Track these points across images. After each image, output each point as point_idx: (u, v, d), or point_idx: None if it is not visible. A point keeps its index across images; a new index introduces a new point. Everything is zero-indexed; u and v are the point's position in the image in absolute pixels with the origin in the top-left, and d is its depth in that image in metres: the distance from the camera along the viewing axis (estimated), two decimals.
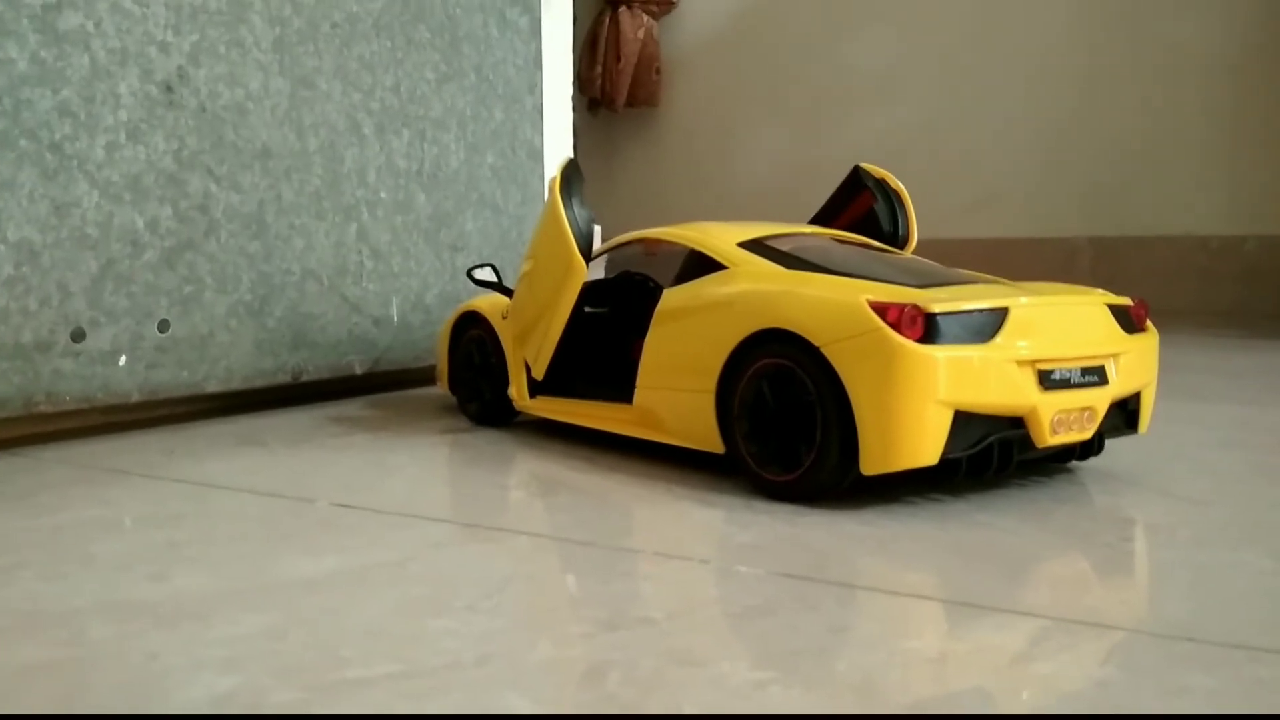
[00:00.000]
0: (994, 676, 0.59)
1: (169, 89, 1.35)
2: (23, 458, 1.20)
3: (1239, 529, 0.88)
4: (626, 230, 1.32)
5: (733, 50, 3.80)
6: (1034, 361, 0.91)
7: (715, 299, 1.05)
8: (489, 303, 1.38)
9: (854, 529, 0.88)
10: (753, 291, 1.02)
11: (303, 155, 1.51)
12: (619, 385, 1.17)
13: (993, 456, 0.92)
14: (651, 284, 1.35)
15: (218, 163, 1.40)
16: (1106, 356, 0.96)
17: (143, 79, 1.32)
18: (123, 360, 1.30)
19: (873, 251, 1.18)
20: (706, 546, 0.86)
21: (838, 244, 1.18)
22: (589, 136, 3.91)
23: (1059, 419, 0.92)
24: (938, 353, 0.87)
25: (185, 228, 1.36)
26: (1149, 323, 1.04)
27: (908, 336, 0.87)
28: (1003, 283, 1.06)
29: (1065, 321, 0.96)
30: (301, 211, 1.51)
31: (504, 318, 1.33)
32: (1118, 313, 1.00)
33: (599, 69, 3.90)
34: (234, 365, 1.43)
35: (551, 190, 1.20)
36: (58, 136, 1.23)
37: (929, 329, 0.88)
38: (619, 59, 3.86)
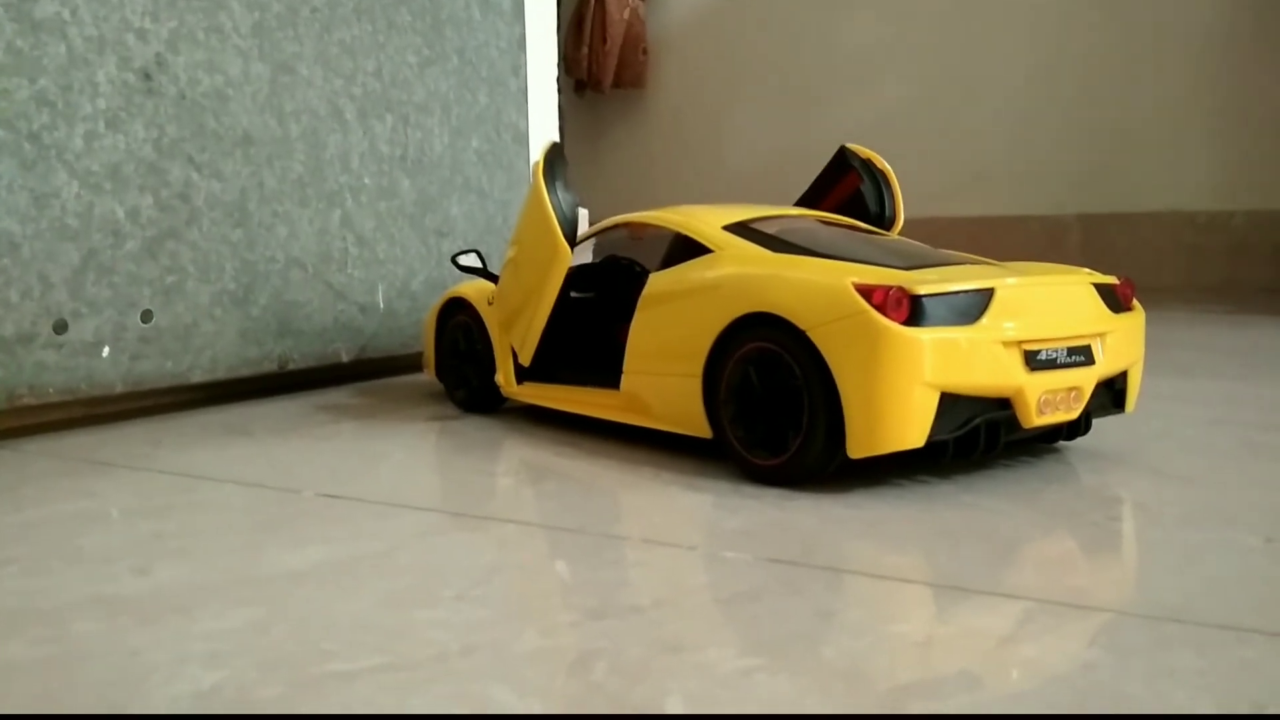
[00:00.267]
0: (980, 660, 0.59)
1: (147, 76, 1.33)
2: (6, 451, 1.20)
3: (1227, 507, 0.88)
4: (614, 213, 1.31)
5: (720, 31, 3.78)
6: (1020, 342, 0.90)
7: (701, 283, 1.05)
8: (474, 289, 1.38)
9: (841, 512, 0.87)
10: (738, 275, 1.01)
11: (284, 142, 1.50)
12: (606, 371, 1.16)
13: (979, 438, 0.92)
14: (638, 268, 1.34)
15: (198, 150, 1.39)
16: (1093, 336, 0.96)
17: (121, 67, 1.31)
18: (106, 351, 1.29)
19: (859, 233, 1.17)
20: (694, 532, 0.86)
21: (824, 226, 1.18)
22: (575, 118, 3.89)
23: (1045, 399, 0.92)
24: (923, 335, 0.87)
25: (167, 217, 1.35)
26: (1135, 301, 1.04)
27: (893, 319, 0.87)
28: (989, 263, 1.06)
29: (1051, 301, 0.95)
30: (284, 199, 1.50)
31: (489, 304, 1.32)
32: (1104, 292, 1.00)
33: (585, 50, 3.87)
34: (219, 355, 1.42)
35: (535, 175, 1.19)
36: (35, 126, 1.22)
37: (914, 311, 0.88)
38: (605, 40, 3.84)
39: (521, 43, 1.90)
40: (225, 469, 1.09)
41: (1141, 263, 2.99)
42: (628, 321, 1.13)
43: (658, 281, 1.11)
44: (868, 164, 1.33)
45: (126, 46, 1.31)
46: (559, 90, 2.34)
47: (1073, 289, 0.98)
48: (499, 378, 1.31)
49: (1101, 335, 0.96)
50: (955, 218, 3.23)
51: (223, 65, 1.42)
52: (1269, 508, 0.87)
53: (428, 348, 1.46)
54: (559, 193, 1.18)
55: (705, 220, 1.13)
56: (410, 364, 1.72)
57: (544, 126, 2.01)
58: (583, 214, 2.22)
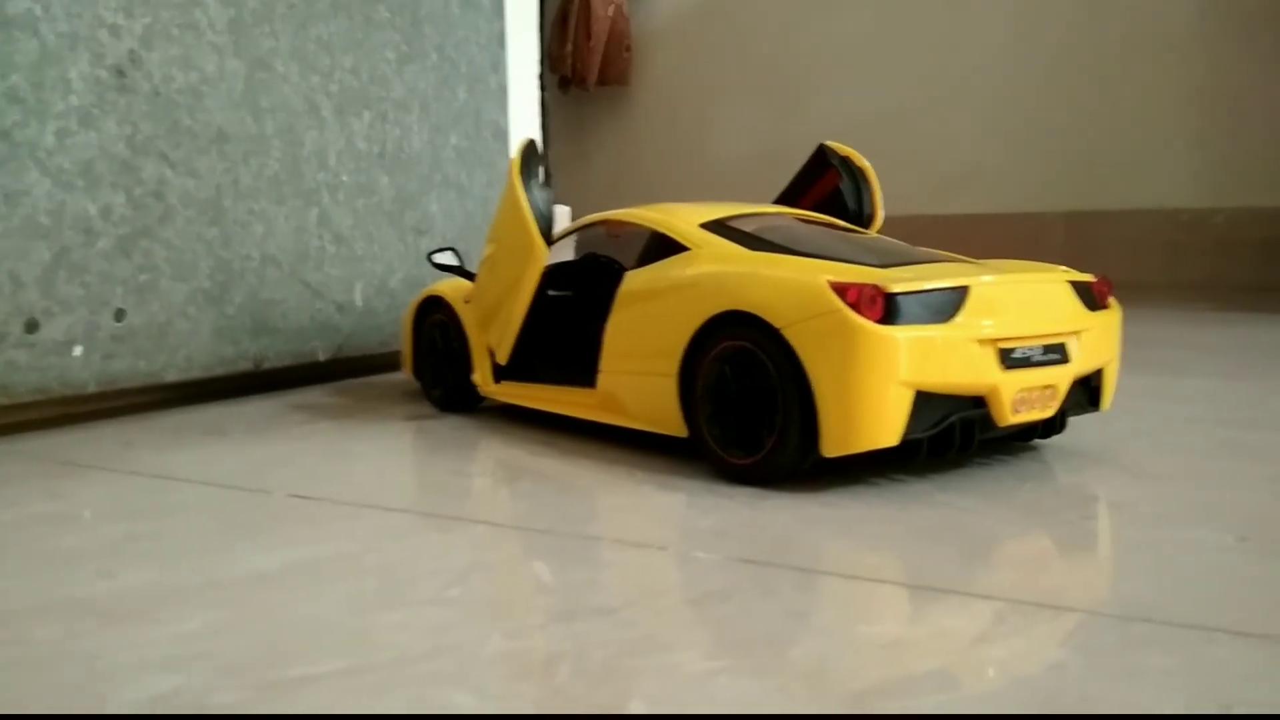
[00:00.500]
0: (947, 661, 0.58)
1: (121, 73, 1.32)
2: None
3: (1201, 505, 0.88)
4: (599, 211, 1.30)
5: (705, 27, 3.77)
6: (995, 340, 0.90)
7: (677, 281, 1.04)
8: (451, 287, 1.37)
9: (816, 511, 0.87)
10: (714, 273, 1.00)
11: (260, 139, 1.48)
12: (582, 369, 1.16)
13: (954, 436, 0.92)
14: (616, 266, 1.33)
15: (173, 148, 1.37)
16: (1068, 334, 0.95)
17: (94, 63, 1.29)
18: (78, 351, 1.28)
19: (837, 231, 1.17)
20: (667, 532, 0.86)
21: (802, 224, 1.17)
22: (560, 115, 3.88)
23: (1020, 398, 0.92)
24: (898, 333, 0.87)
25: (140, 214, 1.34)
26: (1112, 299, 1.04)
27: (868, 317, 0.87)
28: (966, 261, 1.05)
29: (1026, 299, 0.95)
30: (260, 196, 1.49)
31: (466, 302, 1.32)
32: (1080, 290, 0.99)
33: (569, 47, 3.86)
34: (193, 354, 1.41)
35: (510, 173, 1.18)
36: (7, 123, 1.21)
37: (889, 309, 0.87)
38: (589, 37, 3.83)
39: (501, 39, 1.89)
40: (198, 470, 1.08)
41: (1124, 260, 2.99)
42: (605, 320, 1.12)
43: (634, 280, 1.10)
44: (847, 162, 1.33)
45: (99, 43, 1.30)
46: (543, 87, 2.33)
47: (1048, 287, 0.98)
48: (476, 376, 1.30)
49: (1077, 333, 0.96)
50: (939, 215, 3.23)
51: (197, 61, 1.40)
52: (1243, 506, 0.87)
53: (405, 346, 1.45)
54: (534, 190, 1.17)
55: (682, 218, 1.13)
56: (389, 362, 1.71)
57: (524, 123, 2.00)
58: (564, 211, 2.22)
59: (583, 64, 3.85)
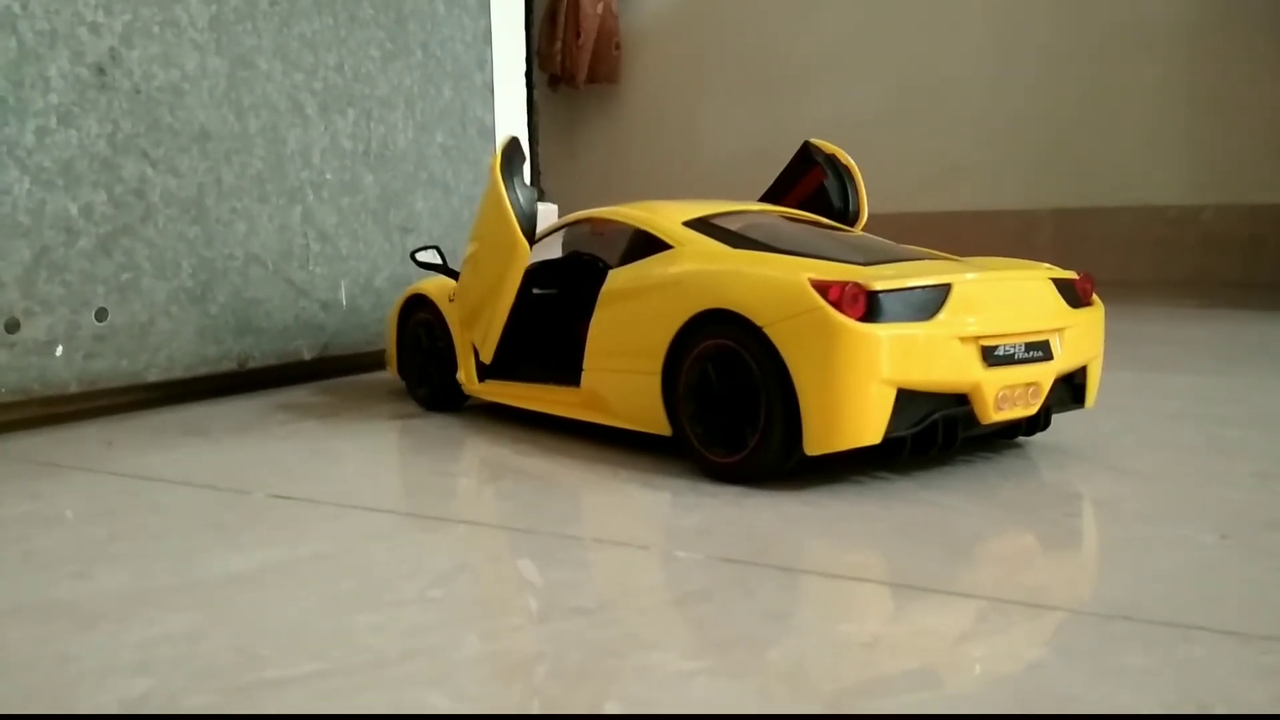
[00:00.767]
0: (926, 660, 0.58)
1: (101, 71, 1.31)
2: None
3: (1184, 503, 0.87)
4: (589, 209, 1.29)
5: (693, 26, 3.77)
6: (977, 338, 0.90)
7: (660, 279, 1.04)
8: (435, 285, 1.36)
9: (798, 510, 0.87)
10: (697, 272, 1.00)
11: (243, 137, 1.48)
12: (566, 368, 1.15)
13: (937, 434, 0.91)
14: (601, 264, 1.33)
15: (154, 146, 1.36)
16: (1051, 331, 0.95)
17: (73, 61, 1.28)
18: (59, 350, 1.27)
19: (821, 229, 1.17)
20: (649, 531, 0.85)
21: (786, 222, 1.17)
22: (549, 114, 3.87)
23: (1003, 395, 0.91)
24: (880, 331, 0.86)
25: (121, 213, 1.33)
26: (1095, 296, 1.04)
27: (849, 315, 0.86)
28: (949, 258, 1.05)
29: (1009, 297, 0.95)
30: (243, 195, 1.48)
31: (450, 301, 1.31)
32: (1063, 287, 0.99)
33: (558, 45, 3.85)
34: (176, 353, 1.40)
35: (492, 170, 1.17)
36: None
37: (871, 307, 0.87)
38: (578, 34, 3.82)
39: (487, 37, 1.88)
40: (178, 470, 1.07)
41: (1113, 257, 3.00)
42: (589, 318, 1.12)
43: (617, 278, 1.10)
44: (831, 159, 1.33)
45: (79, 40, 1.29)
46: (532, 85, 2.33)
47: (1031, 284, 0.97)
48: (460, 375, 1.30)
49: (1060, 330, 0.96)
50: (928, 213, 3.23)
51: (179, 59, 1.39)
52: (1226, 503, 0.87)
53: (390, 345, 1.45)
54: (517, 188, 1.16)
55: (666, 216, 1.12)
56: (374, 361, 1.70)
57: (511, 121, 1.99)
58: (551, 210, 2.21)
59: (572, 62, 3.84)
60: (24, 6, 1.23)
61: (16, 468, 1.10)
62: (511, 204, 1.15)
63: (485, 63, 1.89)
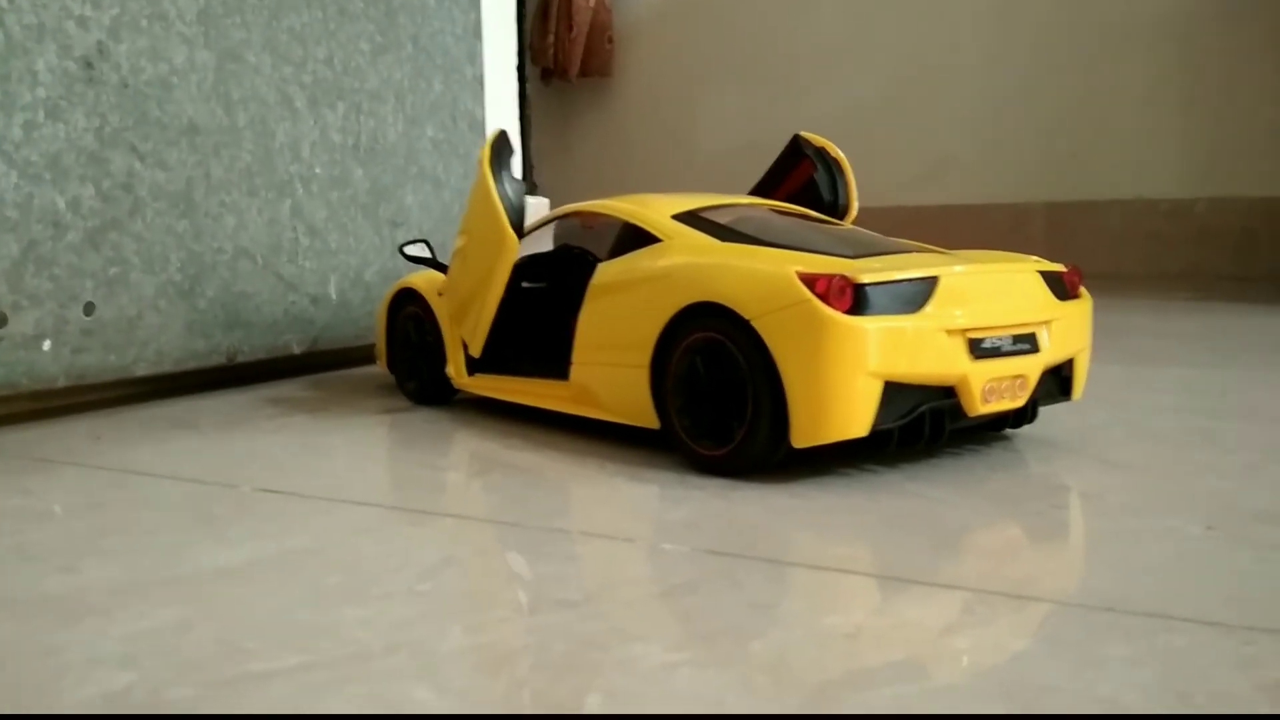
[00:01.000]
0: (908, 651, 0.58)
1: (89, 65, 1.30)
2: None
3: (1170, 495, 0.88)
4: (579, 202, 1.29)
5: (685, 19, 3.76)
6: (964, 330, 0.90)
7: (648, 273, 1.04)
8: (425, 279, 1.36)
9: (786, 502, 0.87)
10: (685, 265, 1.00)
11: (232, 131, 1.47)
12: (555, 361, 1.15)
13: (924, 426, 0.91)
14: (590, 258, 1.33)
15: (142, 140, 1.36)
16: (1038, 324, 0.95)
17: (61, 55, 1.28)
18: (47, 345, 1.27)
19: (810, 222, 1.17)
20: (636, 524, 0.85)
21: (776, 215, 1.17)
22: (542, 107, 3.86)
23: (990, 387, 0.91)
24: (867, 324, 0.86)
25: (109, 207, 1.33)
26: (1083, 289, 1.04)
27: (836, 308, 0.86)
28: (938, 251, 1.05)
29: (996, 289, 0.95)
30: (232, 188, 1.47)
31: (440, 295, 1.31)
32: (1050, 280, 0.99)
33: (551, 38, 3.85)
34: (164, 348, 1.40)
35: (480, 164, 1.17)
36: None
37: (858, 300, 0.87)
38: (571, 28, 3.81)
39: (477, 30, 1.88)
40: (166, 464, 1.07)
41: (1105, 250, 3.00)
42: (578, 312, 1.11)
43: (606, 271, 1.10)
44: (821, 152, 1.33)
45: (67, 34, 1.28)
46: (525, 79, 2.32)
47: (1018, 277, 0.98)
48: (450, 369, 1.30)
49: (1047, 323, 0.96)
50: (922, 206, 3.23)
51: (167, 53, 1.39)
52: (1213, 495, 0.87)
53: (380, 339, 1.44)
54: (505, 182, 1.16)
55: (655, 209, 1.12)
56: (364, 356, 1.70)
57: (502, 114, 1.99)
58: (543, 203, 2.21)
59: (565, 55, 3.84)
60: (10, 0, 1.22)
61: (5, 463, 1.10)
62: (500, 198, 1.15)
63: (476, 56, 1.88)
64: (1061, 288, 1.00)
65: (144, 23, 1.36)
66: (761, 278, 0.91)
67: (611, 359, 1.06)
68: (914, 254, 1.01)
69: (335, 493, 0.94)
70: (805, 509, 0.85)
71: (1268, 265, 2.83)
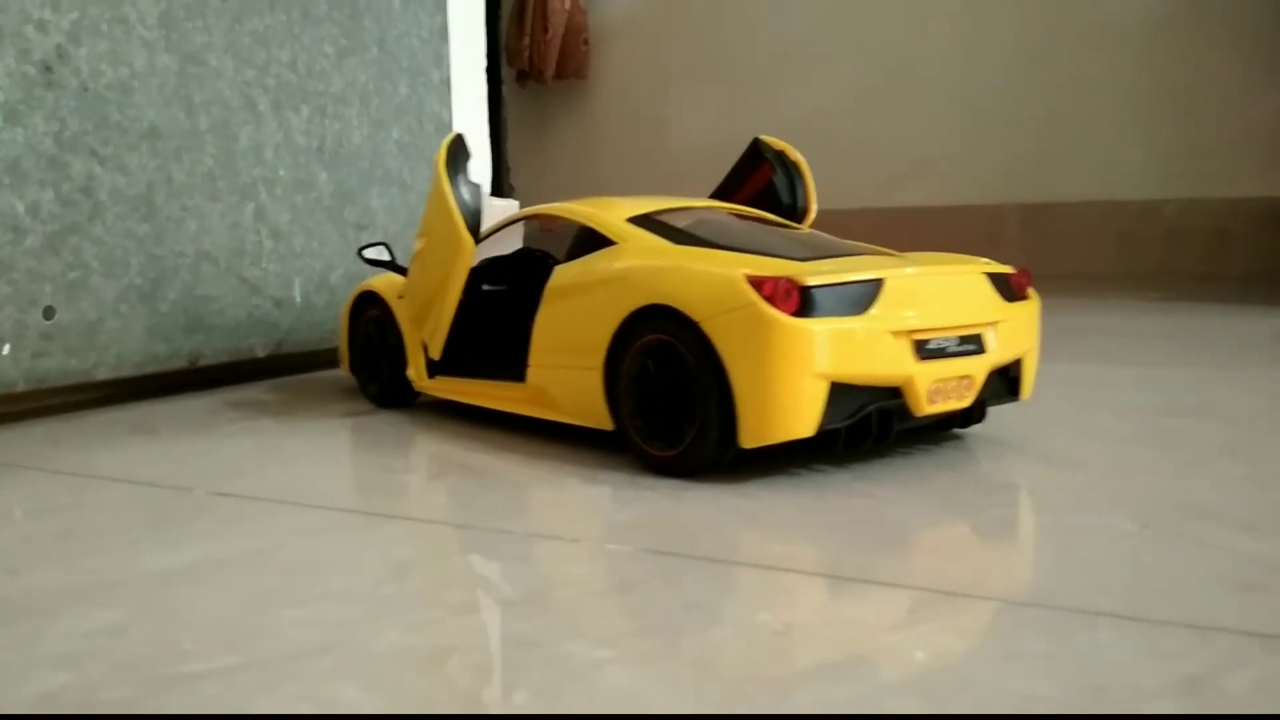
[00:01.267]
0: (834, 649, 0.59)
1: (48, 69, 1.31)
2: None
3: (1109, 492, 0.89)
4: (541, 205, 1.30)
5: (661, 21, 3.77)
6: (910, 332, 0.91)
7: (602, 275, 1.04)
8: (385, 282, 1.36)
9: (734, 502, 0.88)
10: (638, 268, 1.01)
11: (193, 134, 1.47)
12: (513, 364, 1.16)
13: (871, 426, 0.92)
14: (551, 260, 1.33)
15: (102, 144, 1.36)
16: (984, 325, 0.96)
17: (19, 59, 1.28)
18: (6, 349, 1.27)
19: (768, 225, 1.18)
20: (584, 525, 0.86)
21: (732, 218, 1.18)
22: (518, 109, 3.87)
23: (936, 388, 0.93)
24: (813, 325, 0.87)
25: (69, 211, 1.33)
26: (1031, 290, 1.05)
27: (782, 310, 0.87)
28: (888, 253, 1.06)
29: (942, 291, 0.96)
30: (194, 192, 1.48)
31: (400, 298, 1.31)
32: (998, 281, 1.01)
33: (526, 40, 3.85)
34: (125, 352, 1.40)
35: (436, 167, 1.18)
36: None
37: (804, 302, 0.88)
38: (546, 30, 3.82)
39: (444, 33, 1.88)
40: (122, 468, 1.07)
41: (1077, 251, 3.02)
42: (534, 315, 1.12)
43: (562, 274, 1.11)
44: (781, 155, 1.34)
45: (25, 38, 1.28)
46: (500, 81, 2.32)
47: (964, 279, 0.99)
48: (410, 372, 1.30)
49: (994, 324, 0.97)
50: (895, 208, 3.25)
51: (127, 57, 1.39)
52: (1152, 492, 0.89)
53: (342, 342, 1.45)
54: (461, 185, 1.17)
55: (611, 212, 1.13)
56: (330, 359, 1.70)
57: (470, 117, 2.00)
58: (512, 205, 2.21)
59: (540, 57, 3.84)
60: None
61: None
62: (456, 201, 1.16)
63: (443, 59, 1.89)
64: (1009, 289, 1.02)
65: (104, 26, 1.36)
66: (710, 280, 0.92)
67: (566, 361, 1.07)
68: (864, 256, 1.02)
69: (289, 495, 0.95)
70: (752, 509, 0.86)
71: (1238, 265, 2.86)
